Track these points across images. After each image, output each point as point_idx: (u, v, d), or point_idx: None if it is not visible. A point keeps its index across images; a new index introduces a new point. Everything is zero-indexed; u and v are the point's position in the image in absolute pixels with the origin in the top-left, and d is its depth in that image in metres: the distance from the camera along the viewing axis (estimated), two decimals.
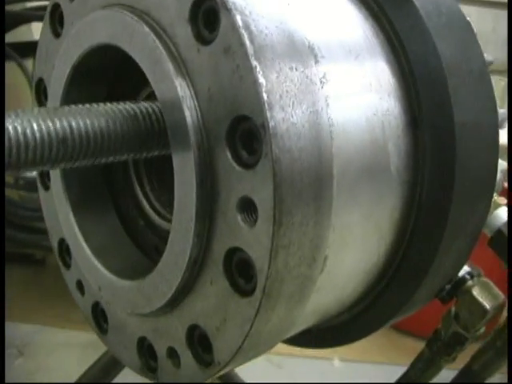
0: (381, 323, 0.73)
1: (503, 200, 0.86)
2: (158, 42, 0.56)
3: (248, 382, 2.29)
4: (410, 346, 3.12)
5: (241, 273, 0.54)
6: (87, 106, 0.57)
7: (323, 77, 0.55)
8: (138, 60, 0.58)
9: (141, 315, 0.67)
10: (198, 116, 0.53)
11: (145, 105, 0.59)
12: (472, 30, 0.70)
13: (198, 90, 0.54)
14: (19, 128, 0.51)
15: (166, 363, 0.65)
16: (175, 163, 0.56)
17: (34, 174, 2.62)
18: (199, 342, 0.60)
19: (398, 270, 0.68)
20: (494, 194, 0.84)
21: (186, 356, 0.62)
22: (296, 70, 0.51)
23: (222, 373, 0.60)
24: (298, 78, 0.51)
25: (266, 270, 0.50)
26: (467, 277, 0.83)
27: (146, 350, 0.69)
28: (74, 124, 0.54)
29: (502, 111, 0.80)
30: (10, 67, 3.43)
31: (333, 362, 3.51)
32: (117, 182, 0.79)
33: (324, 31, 0.59)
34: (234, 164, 0.51)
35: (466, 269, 0.83)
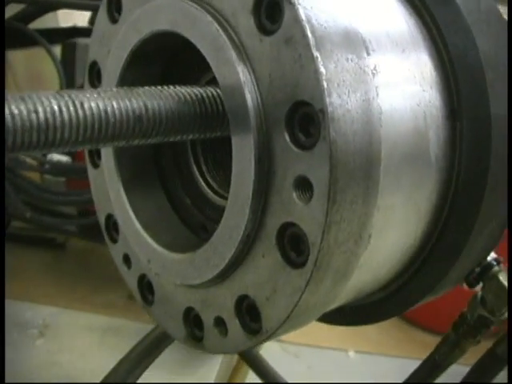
0: (412, 302, 0.77)
1: None
2: (220, 30, 0.60)
3: None
4: (425, 341, 3.15)
5: (292, 246, 0.59)
6: (159, 88, 0.62)
7: (374, 68, 0.59)
8: (199, 47, 0.63)
9: (189, 286, 0.71)
10: (258, 100, 0.58)
11: (210, 89, 0.63)
12: (505, 25, 0.74)
13: (258, 76, 0.58)
14: (101, 105, 0.56)
15: (213, 332, 0.69)
16: (234, 144, 0.60)
17: (60, 158, 2.65)
18: (247, 311, 0.65)
19: (432, 250, 0.72)
20: None
21: (234, 324, 0.66)
22: (351, 61, 0.55)
23: (267, 341, 0.64)
24: (353, 68, 0.55)
25: (319, 243, 0.55)
26: (494, 263, 0.87)
27: (192, 319, 0.73)
28: (148, 104, 0.59)
29: None
30: (37, 54, 3.49)
31: (348, 353, 3.56)
32: (166, 163, 0.84)
33: (374, 26, 0.64)
34: (292, 146, 0.56)
35: (492, 255, 0.87)
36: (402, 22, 0.68)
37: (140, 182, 0.82)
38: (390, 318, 0.81)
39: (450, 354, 1.03)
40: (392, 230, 0.65)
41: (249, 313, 0.65)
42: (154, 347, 1.07)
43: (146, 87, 0.62)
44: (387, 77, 0.61)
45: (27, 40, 3.37)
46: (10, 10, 3.45)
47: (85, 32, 3.55)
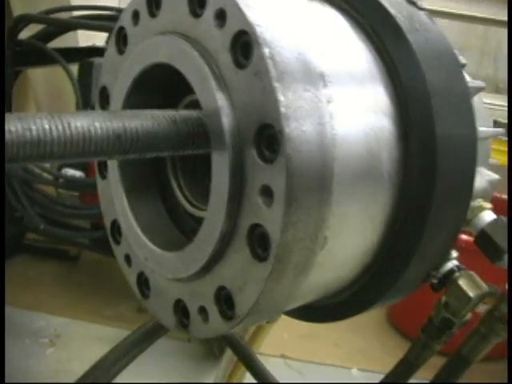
0: (373, 302, 0.88)
1: (488, 204, 1.00)
2: (204, 64, 0.73)
3: None
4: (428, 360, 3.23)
5: (259, 244, 0.71)
6: (138, 111, 0.74)
7: (330, 97, 0.71)
8: (188, 77, 0.76)
9: (178, 280, 0.83)
10: (233, 123, 0.70)
11: (185, 112, 0.75)
12: (458, 61, 0.87)
13: (234, 103, 0.71)
14: (85, 125, 0.67)
15: (197, 319, 0.81)
16: (213, 158, 0.73)
17: (74, 173, 2.82)
18: (224, 300, 0.76)
19: (387, 255, 0.83)
20: (480, 200, 0.99)
21: (214, 312, 0.78)
22: (308, 91, 0.68)
23: (240, 325, 0.76)
24: (309, 97, 0.68)
25: (278, 240, 0.67)
26: (455, 269, 0.97)
27: (180, 309, 0.84)
28: (126, 124, 0.70)
29: (483, 129, 0.95)
30: (56, 71, 3.64)
31: (351, 370, 3.65)
32: (163, 173, 0.96)
33: (333, 61, 0.76)
34: (259, 160, 0.68)
35: (454, 262, 0.98)
36: (360, 57, 0.80)
37: (141, 190, 0.94)
38: (355, 315, 0.93)
39: (421, 354, 1.13)
40: (348, 235, 0.77)
41: (225, 301, 0.76)
42: (143, 339, 1.18)
43: (128, 110, 0.73)
44: (342, 104, 0.73)
45: (46, 58, 3.51)
46: (31, 30, 3.60)
47: (103, 51, 3.69)
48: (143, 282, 0.92)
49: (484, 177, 1.03)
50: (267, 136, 0.67)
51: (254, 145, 0.69)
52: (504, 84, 9.02)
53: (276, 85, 0.65)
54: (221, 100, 0.71)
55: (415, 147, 0.79)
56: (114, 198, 0.95)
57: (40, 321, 3.74)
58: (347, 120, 0.74)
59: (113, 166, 0.94)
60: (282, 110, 0.65)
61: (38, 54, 3.56)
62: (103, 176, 1.00)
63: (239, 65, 0.70)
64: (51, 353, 3.46)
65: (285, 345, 3.83)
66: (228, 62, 0.71)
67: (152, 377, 3.22)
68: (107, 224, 1.00)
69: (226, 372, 1.60)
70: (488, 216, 0.99)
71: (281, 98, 0.65)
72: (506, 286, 1.00)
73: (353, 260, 0.82)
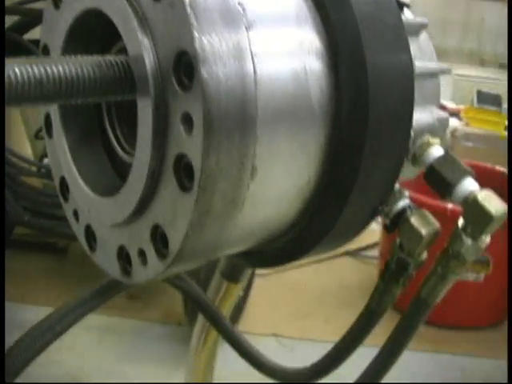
0: (317, 240, 0.88)
1: (436, 140, 0.99)
2: (127, 4, 0.73)
3: None
4: (418, 332, 3.24)
5: (186, 174, 0.70)
6: (63, 57, 0.73)
7: (250, 24, 0.71)
8: (114, 20, 0.76)
9: (118, 226, 0.83)
10: (154, 59, 0.71)
11: (111, 57, 0.75)
12: None
13: (155, 39, 0.71)
14: (5, 70, 0.66)
15: (137, 263, 0.80)
16: (138, 96, 0.73)
17: None
18: (160, 238, 0.76)
19: (326, 188, 0.83)
20: (428, 136, 0.99)
21: (151, 252, 0.78)
22: (225, 17, 0.68)
23: (175, 267, 0.76)
24: (225, 22, 0.68)
25: (200, 167, 0.67)
26: (407, 208, 0.97)
27: (124, 257, 0.84)
28: (48, 69, 0.69)
29: (424, 63, 0.95)
30: None
31: None
32: (106, 123, 0.95)
33: None
34: (178, 88, 0.68)
35: (406, 201, 0.97)
36: None
37: (83, 143, 0.94)
38: (303, 258, 0.92)
39: (382, 300, 1.13)
40: (280, 166, 0.76)
41: (161, 240, 0.76)
42: (93, 297, 1.18)
43: (53, 57, 0.72)
44: (263, 32, 0.73)
45: (22, 50, 3.48)
46: (6, 21, 3.57)
47: None
48: (90, 234, 0.92)
49: (434, 114, 1.03)
50: (185, 63, 0.67)
51: (173, 74, 0.68)
52: (487, 57, 9.07)
53: (189, 11, 0.65)
54: (142, 37, 0.71)
55: (345, 76, 0.78)
56: (59, 154, 0.94)
57: (28, 313, 3.72)
58: (269, 48, 0.73)
59: (56, 121, 0.94)
60: (195, 34, 0.65)
61: (13, 46, 3.54)
62: (50, 135, 0.99)
63: None
64: None
65: (276, 324, 3.84)
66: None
67: (144, 361, 3.23)
68: (56, 182, 0.99)
69: (200, 339, 1.61)
70: (436, 151, 0.98)
71: (194, 22, 0.65)
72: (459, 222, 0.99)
73: (290, 194, 0.81)
